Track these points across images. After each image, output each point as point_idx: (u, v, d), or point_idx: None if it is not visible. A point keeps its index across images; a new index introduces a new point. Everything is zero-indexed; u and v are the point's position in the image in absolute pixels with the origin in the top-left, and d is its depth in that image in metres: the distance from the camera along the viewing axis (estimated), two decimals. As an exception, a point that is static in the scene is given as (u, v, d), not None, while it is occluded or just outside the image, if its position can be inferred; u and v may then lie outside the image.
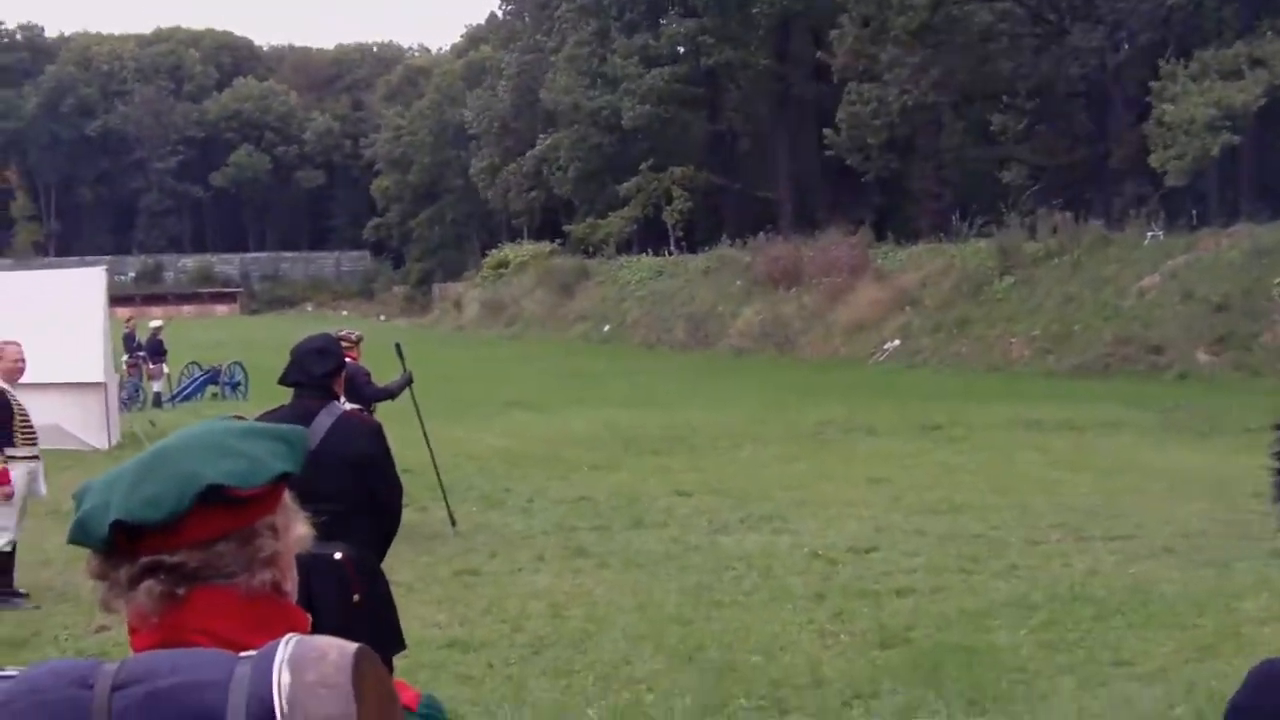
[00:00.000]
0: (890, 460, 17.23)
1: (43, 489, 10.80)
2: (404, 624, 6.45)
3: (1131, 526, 12.18)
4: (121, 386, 24.00)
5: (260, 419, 3.63)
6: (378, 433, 6.27)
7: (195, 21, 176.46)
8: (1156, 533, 11.85)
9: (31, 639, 9.18)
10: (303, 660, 1.57)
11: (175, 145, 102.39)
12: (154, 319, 33.06)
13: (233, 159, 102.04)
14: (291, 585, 1.82)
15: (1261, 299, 27.53)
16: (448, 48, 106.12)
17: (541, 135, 64.32)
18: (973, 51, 39.81)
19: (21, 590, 10.37)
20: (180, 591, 1.69)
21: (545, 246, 61.84)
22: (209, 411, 23.69)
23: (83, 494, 1.75)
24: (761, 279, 42.96)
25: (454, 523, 12.99)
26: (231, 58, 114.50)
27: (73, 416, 18.91)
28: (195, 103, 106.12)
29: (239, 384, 29.82)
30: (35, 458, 10.65)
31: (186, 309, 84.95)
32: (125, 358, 28.08)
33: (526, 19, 71.35)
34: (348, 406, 6.39)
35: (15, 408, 10.38)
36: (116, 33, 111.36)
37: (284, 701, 1.54)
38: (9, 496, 10.21)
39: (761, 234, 46.27)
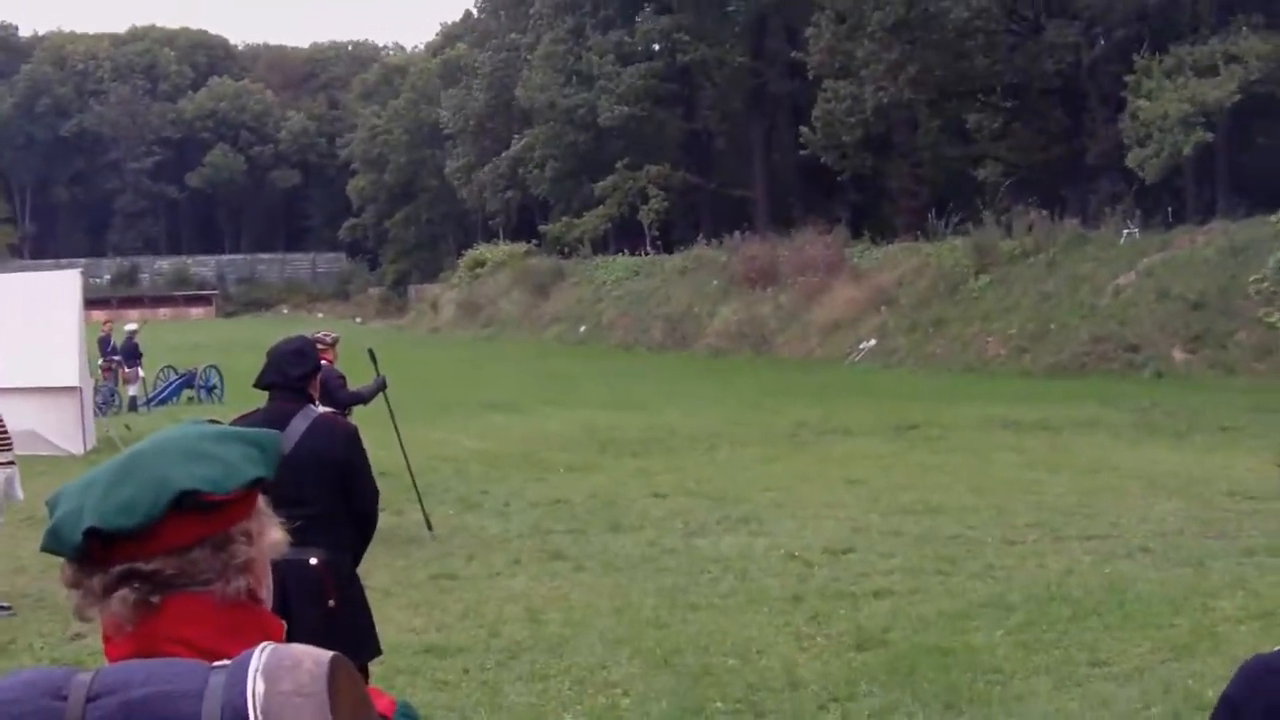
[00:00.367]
0: (867, 461, 17.25)
1: (19, 494, 10.75)
2: (380, 629, 6.44)
3: (1107, 526, 12.23)
4: (97, 391, 23.86)
5: (236, 422, 3.61)
6: (354, 436, 6.25)
7: (170, 20, 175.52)
8: (1133, 532, 11.90)
9: (8, 646, 9.14)
10: (277, 669, 1.57)
11: (150, 145, 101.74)
12: (130, 322, 32.90)
13: (208, 159, 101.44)
14: (266, 591, 1.81)
15: (1237, 297, 27.59)
16: (423, 46, 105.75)
17: (517, 135, 64.20)
18: (949, 48, 39.74)
19: (4, 604, 10.23)
20: (155, 599, 1.68)
21: (521, 247, 61.60)
22: (184, 415, 23.60)
23: (56, 500, 1.74)
24: (738, 279, 42.95)
25: (430, 526, 12.97)
26: (207, 56, 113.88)
27: (48, 421, 18.70)
28: (171, 102, 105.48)
29: (214, 387, 29.70)
30: (11, 463, 10.60)
31: (162, 312, 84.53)
32: (100, 361, 27.92)
33: (502, 17, 71.13)
34: (323, 410, 6.37)
35: (-11, 413, 10.34)
36: (91, 31, 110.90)
37: (258, 711, 1.53)
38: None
39: (737, 233, 46.21)
